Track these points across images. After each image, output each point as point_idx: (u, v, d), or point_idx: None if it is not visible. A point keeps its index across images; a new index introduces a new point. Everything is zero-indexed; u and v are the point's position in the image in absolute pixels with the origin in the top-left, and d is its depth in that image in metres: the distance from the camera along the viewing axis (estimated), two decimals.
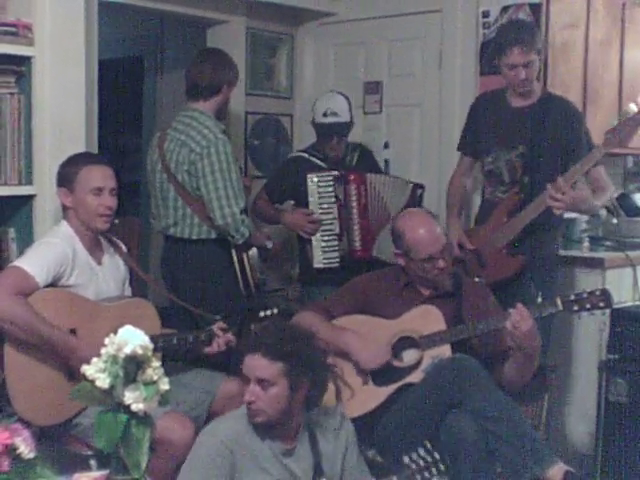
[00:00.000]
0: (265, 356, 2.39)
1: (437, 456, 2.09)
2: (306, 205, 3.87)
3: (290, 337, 2.46)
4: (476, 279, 3.34)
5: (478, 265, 3.47)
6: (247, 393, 2.41)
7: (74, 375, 2.60)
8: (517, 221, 3.39)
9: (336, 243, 3.86)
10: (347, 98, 3.98)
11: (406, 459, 2.10)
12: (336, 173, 3.84)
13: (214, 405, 2.95)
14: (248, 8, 4.49)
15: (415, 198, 3.87)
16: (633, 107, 3.16)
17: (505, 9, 4.00)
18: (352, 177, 3.82)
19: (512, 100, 3.52)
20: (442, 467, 2.08)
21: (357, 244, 3.84)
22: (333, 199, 3.85)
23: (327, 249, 3.86)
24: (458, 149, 3.75)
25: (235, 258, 3.50)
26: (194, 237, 3.48)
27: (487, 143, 3.55)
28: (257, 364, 2.40)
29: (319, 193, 3.85)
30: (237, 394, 2.81)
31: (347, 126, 3.92)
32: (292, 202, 4.03)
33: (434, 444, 2.17)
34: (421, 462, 2.09)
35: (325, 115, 3.89)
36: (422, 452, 2.12)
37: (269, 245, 3.63)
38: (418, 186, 3.92)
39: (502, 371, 2.87)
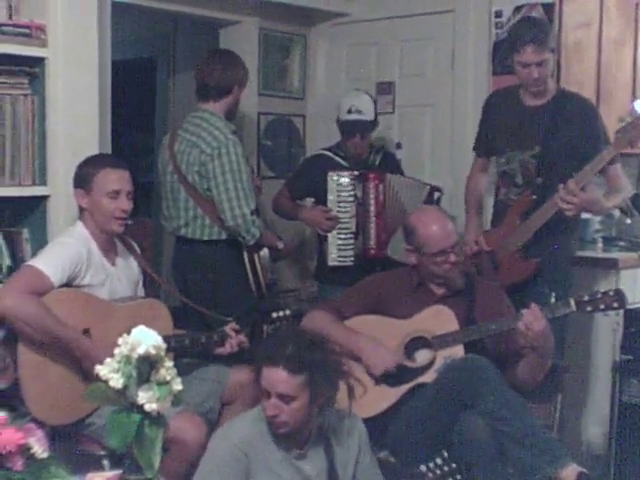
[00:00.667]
0: (285, 369, 2.36)
1: (454, 466, 2.08)
2: (325, 203, 3.87)
3: (308, 346, 2.42)
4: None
5: (492, 268, 3.45)
6: (269, 407, 2.38)
7: (87, 375, 2.60)
8: (529, 224, 3.36)
9: (352, 242, 3.86)
10: (372, 98, 3.99)
11: (423, 468, 2.09)
12: (356, 172, 3.84)
13: (225, 395, 2.97)
14: (261, 9, 4.50)
15: (432, 200, 3.87)
16: None
17: (518, 9, 4.00)
18: (372, 176, 3.82)
19: (526, 99, 3.47)
20: (459, 477, 2.07)
21: (372, 242, 3.84)
22: (352, 198, 3.84)
23: (342, 247, 3.86)
24: (473, 149, 3.72)
25: (246, 259, 3.50)
26: (205, 238, 3.49)
27: (501, 143, 3.51)
28: (278, 378, 2.37)
29: (338, 191, 3.85)
30: (247, 382, 2.83)
31: (371, 124, 3.92)
32: (312, 199, 4.04)
33: (450, 452, 2.16)
34: (438, 471, 2.09)
35: (349, 112, 3.89)
36: (439, 461, 2.11)
37: (280, 245, 3.63)
38: (435, 189, 3.91)
39: (515, 371, 2.86)
